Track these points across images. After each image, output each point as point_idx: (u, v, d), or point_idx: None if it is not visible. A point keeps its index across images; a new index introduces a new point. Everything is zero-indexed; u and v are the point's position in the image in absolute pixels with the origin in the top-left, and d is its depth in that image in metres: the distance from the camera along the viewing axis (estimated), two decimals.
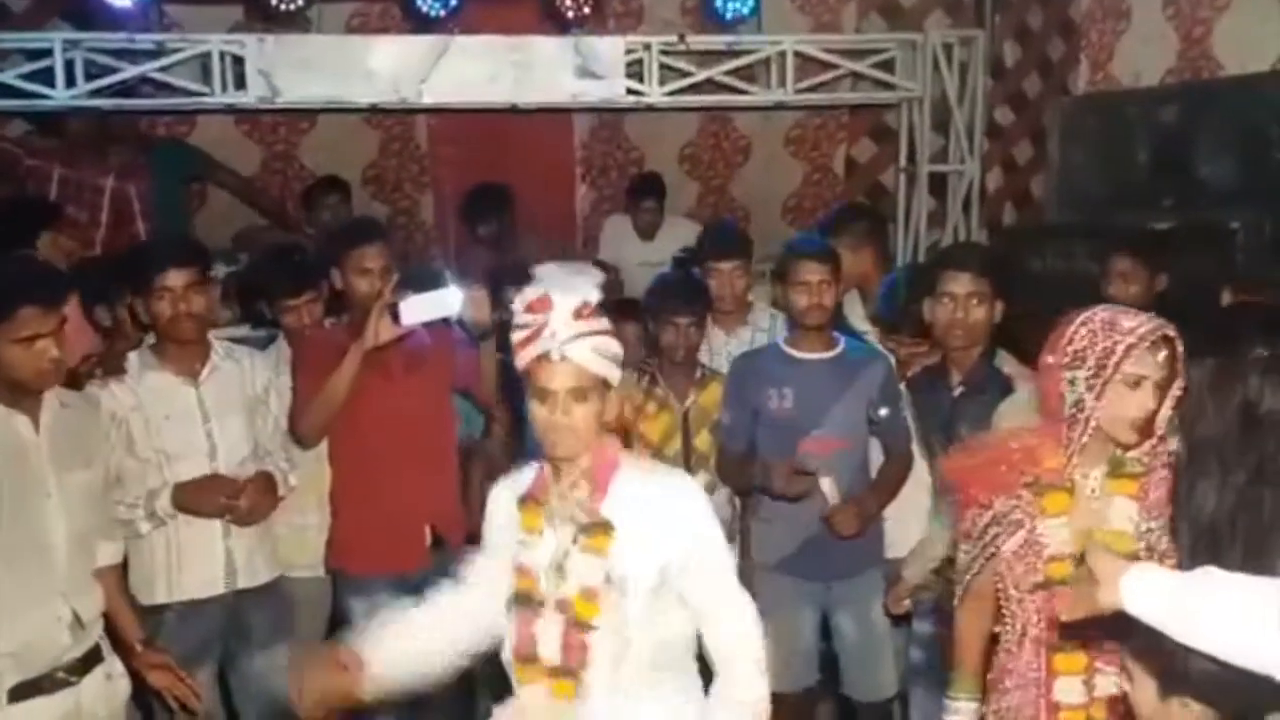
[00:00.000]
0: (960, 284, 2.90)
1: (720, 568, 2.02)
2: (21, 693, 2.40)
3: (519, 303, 1.96)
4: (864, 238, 3.67)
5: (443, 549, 3.08)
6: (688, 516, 1.98)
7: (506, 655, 2.03)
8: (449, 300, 2.87)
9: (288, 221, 5.56)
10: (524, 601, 1.98)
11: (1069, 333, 2.06)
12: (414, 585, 2.44)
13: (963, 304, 2.88)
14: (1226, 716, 1.51)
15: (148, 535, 2.89)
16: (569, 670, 1.93)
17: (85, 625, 2.52)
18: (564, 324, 1.89)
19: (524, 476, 2.07)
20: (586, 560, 1.93)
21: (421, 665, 2.10)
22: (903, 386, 3.16)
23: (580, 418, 1.91)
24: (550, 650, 1.95)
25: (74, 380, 2.80)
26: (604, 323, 1.94)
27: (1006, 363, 2.96)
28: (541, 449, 1.98)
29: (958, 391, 2.93)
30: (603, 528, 1.93)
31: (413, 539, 3.09)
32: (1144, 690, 1.67)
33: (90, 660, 2.54)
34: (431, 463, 3.14)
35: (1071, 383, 2.03)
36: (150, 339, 2.99)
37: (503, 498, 2.09)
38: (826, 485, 2.98)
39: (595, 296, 1.94)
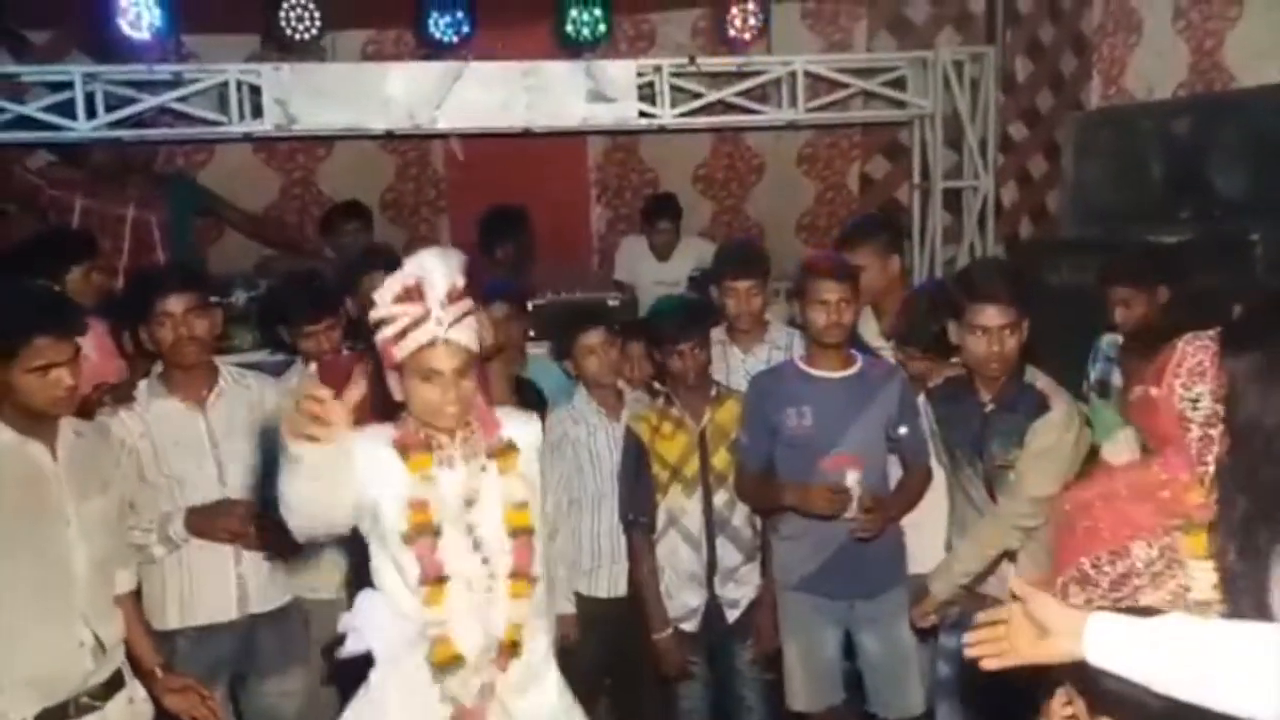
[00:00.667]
0: (991, 317, 2.85)
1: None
2: (48, 718, 2.41)
3: (385, 294, 2.05)
4: (885, 250, 3.64)
5: None
6: (536, 445, 2.29)
7: (394, 584, 2.14)
8: None
9: (302, 251, 5.60)
10: (423, 532, 2.10)
11: (1177, 356, 1.88)
12: None
13: (996, 337, 2.85)
14: None
15: (160, 561, 2.90)
16: (523, 573, 2.16)
17: (108, 650, 2.53)
18: (443, 310, 2.02)
19: (380, 434, 2.14)
20: (509, 480, 2.17)
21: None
22: (922, 398, 3.15)
23: (466, 391, 2.10)
24: (466, 566, 2.12)
25: (85, 408, 2.82)
26: (470, 301, 2.09)
27: (1038, 378, 2.94)
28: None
29: (989, 409, 2.91)
30: (509, 448, 2.19)
31: None
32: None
33: (113, 685, 2.55)
34: None
35: (1195, 401, 1.85)
36: (158, 367, 3.01)
37: (376, 455, 2.10)
38: (851, 480, 2.99)
39: (462, 280, 2.06)
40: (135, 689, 2.63)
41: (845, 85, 5.48)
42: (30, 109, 4.69)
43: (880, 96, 5.55)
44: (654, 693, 3.36)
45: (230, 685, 3.08)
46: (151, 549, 2.86)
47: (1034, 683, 2.06)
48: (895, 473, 3.18)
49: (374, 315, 2.08)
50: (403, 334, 2.03)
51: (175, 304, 2.88)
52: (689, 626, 3.25)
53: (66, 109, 4.68)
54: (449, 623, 2.12)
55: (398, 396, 2.13)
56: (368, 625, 2.18)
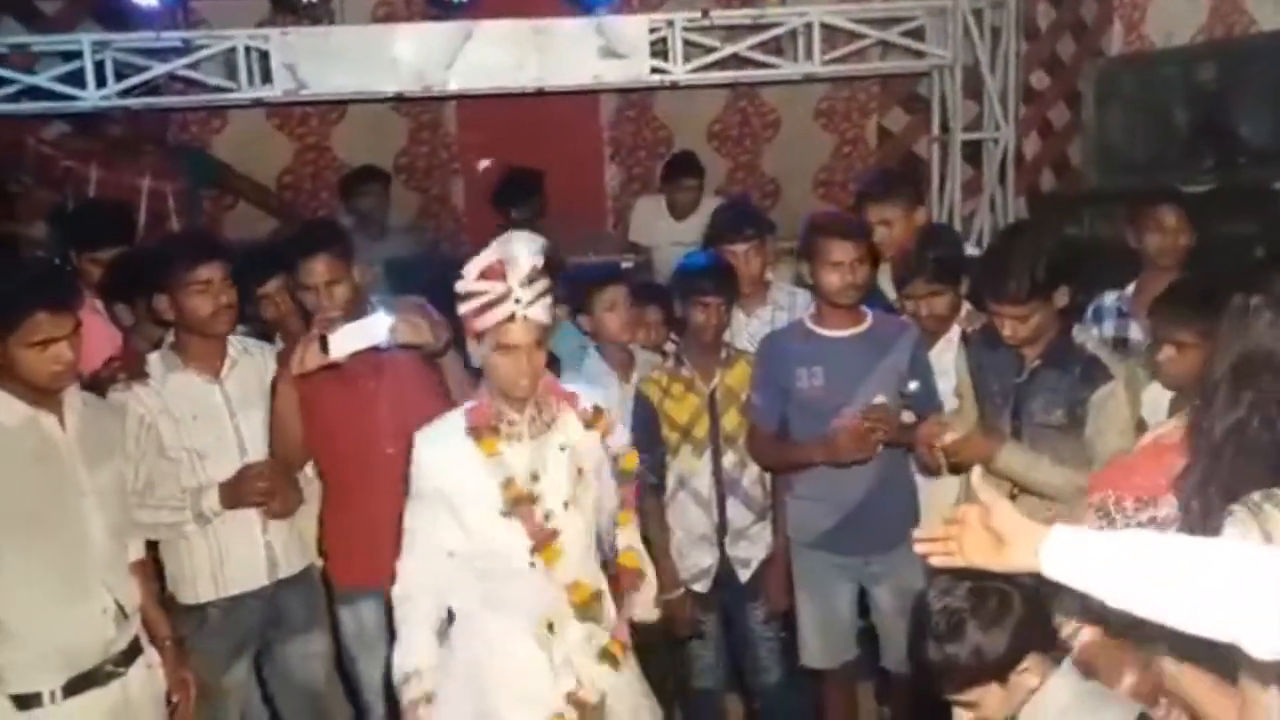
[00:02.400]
0: (1006, 311, 2.76)
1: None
2: (75, 687, 2.46)
3: (472, 270, 2.22)
4: (909, 204, 3.56)
5: None
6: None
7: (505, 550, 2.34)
8: (377, 328, 2.74)
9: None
10: (523, 502, 2.31)
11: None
12: None
13: (1010, 326, 2.77)
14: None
15: (190, 536, 2.91)
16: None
17: (129, 616, 2.58)
18: (523, 288, 2.19)
19: (451, 422, 2.36)
20: (559, 460, 2.35)
21: None
22: (959, 345, 3.08)
23: (538, 363, 2.29)
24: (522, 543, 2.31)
25: (97, 385, 2.82)
26: (548, 281, 2.26)
27: (1088, 340, 2.86)
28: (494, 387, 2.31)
29: (1034, 364, 2.80)
30: (599, 415, 2.43)
31: (393, 552, 2.92)
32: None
33: (133, 651, 2.59)
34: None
35: None
36: (170, 338, 2.99)
37: (443, 452, 2.35)
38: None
39: (542, 260, 2.23)
40: (151, 655, 2.68)
41: (862, 36, 5.39)
42: (40, 79, 4.70)
43: (898, 47, 5.45)
44: (666, 653, 3.37)
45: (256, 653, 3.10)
46: (185, 525, 2.85)
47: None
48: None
49: (459, 288, 2.25)
50: (484, 309, 2.21)
51: (212, 271, 2.84)
52: (700, 587, 3.25)
53: (76, 78, 4.69)
54: (526, 589, 2.33)
55: (476, 364, 2.33)
56: (449, 590, 2.39)
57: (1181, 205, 3.32)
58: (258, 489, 2.89)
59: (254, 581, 2.98)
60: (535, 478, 2.34)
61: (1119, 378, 2.75)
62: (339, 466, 3.03)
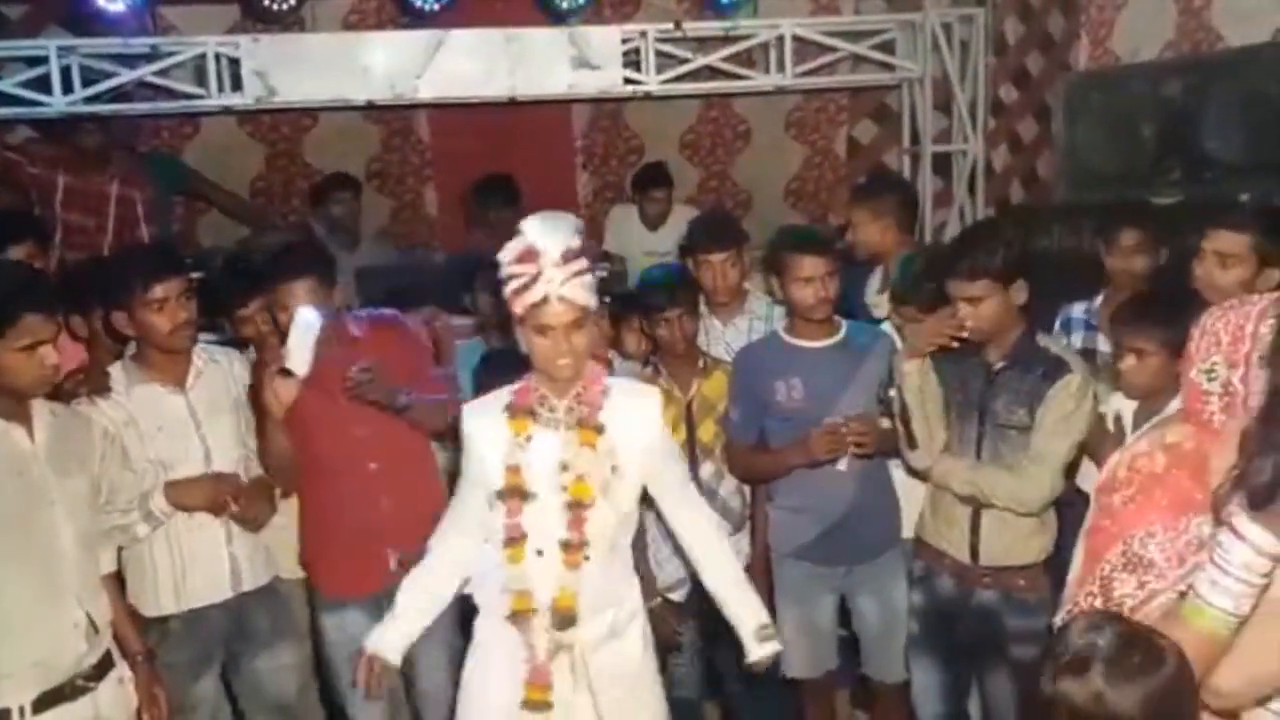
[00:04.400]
0: (960, 290, 2.78)
1: (679, 459, 2.59)
2: (45, 702, 2.41)
3: (508, 254, 2.22)
4: (892, 210, 3.63)
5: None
6: (655, 419, 2.44)
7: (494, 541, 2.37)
8: (307, 320, 2.75)
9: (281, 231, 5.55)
10: (514, 493, 2.32)
11: (1197, 329, 1.86)
12: (386, 604, 2.57)
13: (965, 310, 2.78)
14: None
15: (150, 545, 2.87)
16: (576, 544, 2.32)
17: (100, 630, 2.54)
18: (555, 269, 2.18)
19: (498, 399, 2.39)
20: (587, 454, 2.32)
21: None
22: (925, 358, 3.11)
23: (579, 344, 2.26)
24: (542, 530, 2.32)
25: (59, 397, 2.78)
26: (584, 261, 2.24)
27: (1054, 344, 2.90)
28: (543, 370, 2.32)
29: (998, 366, 2.83)
30: (596, 430, 2.33)
31: (375, 562, 2.98)
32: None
33: (104, 666, 2.55)
34: (390, 484, 3.02)
35: (1210, 372, 1.82)
36: (130, 350, 2.94)
37: (484, 423, 2.38)
38: (842, 464, 3.00)
39: (576, 241, 2.22)
40: (123, 669, 2.64)
41: (833, 49, 5.43)
42: (5, 84, 4.63)
43: (869, 60, 5.50)
44: None
45: (222, 670, 3.06)
46: (135, 528, 2.80)
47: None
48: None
49: (501, 272, 2.26)
50: (519, 291, 2.22)
51: (170, 288, 2.80)
52: (678, 596, 3.26)
53: (42, 84, 4.63)
54: (531, 579, 2.33)
55: (524, 349, 2.32)
56: (478, 577, 2.44)
57: (1144, 225, 3.36)
58: (208, 497, 2.87)
59: (217, 594, 2.95)
60: (565, 468, 2.33)
61: (1080, 374, 2.79)
62: (319, 478, 3.02)
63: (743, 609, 2.53)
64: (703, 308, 3.52)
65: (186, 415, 2.92)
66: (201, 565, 2.93)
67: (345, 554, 3.01)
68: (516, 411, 2.35)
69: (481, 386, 2.77)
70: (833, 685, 3.36)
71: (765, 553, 3.26)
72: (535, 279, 2.19)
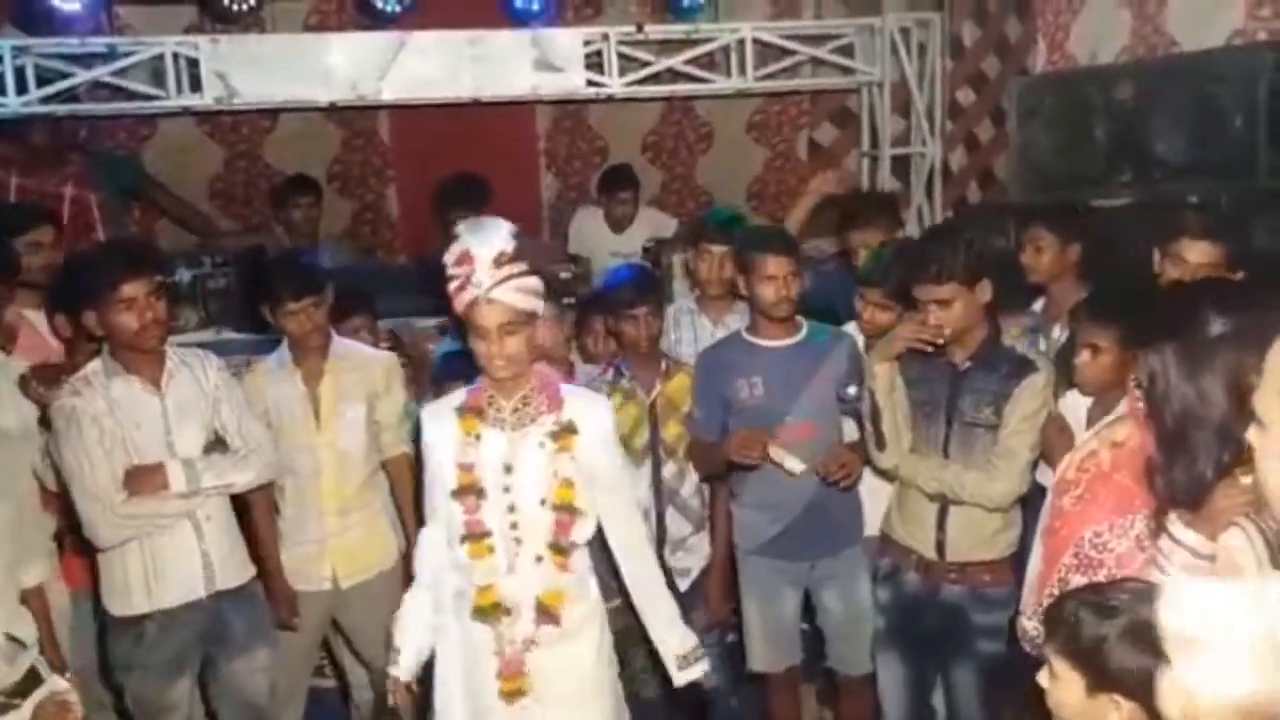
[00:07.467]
0: (928, 294, 2.80)
1: (624, 473, 2.63)
2: None
3: (449, 258, 2.30)
4: (884, 231, 3.72)
5: None
6: (606, 424, 2.49)
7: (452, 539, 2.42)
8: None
9: (219, 236, 5.53)
10: (468, 492, 2.38)
11: None
12: None
13: (934, 314, 2.81)
14: (1154, 713, 1.41)
15: (123, 546, 2.86)
16: (561, 546, 2.39)
17: (27, 648, 2.51)
18: (487, 273, 2.25)
19: (452, 399, 2.46)
20: (561, 458, 2.37)
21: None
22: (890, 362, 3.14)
23: (513, 346, 2.31)
24: (499, 528, 2.38)
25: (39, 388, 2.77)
26: (522, 265, 2.30)
27: (1018, 344, 2.96)
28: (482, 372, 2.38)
29: (964, 366, 2.87)
30: (568, 430, 2.39)
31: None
32: (1070, 689, 1.61)
33: (30, 683, 2.51)
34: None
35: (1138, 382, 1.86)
36: (105, 349, 2.93)
37: (439, 425, 2.44)
38: (775, 453, 3.00)
39: (511, 245, 2.28)
40: (55, 683, 2.58)
41: (793, 52, 5.48)
42: None
43: (828, 63, 5.55)
44: None
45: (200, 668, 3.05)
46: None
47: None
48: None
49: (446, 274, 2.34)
50: (456, 292, 2.30)
51: (138, 288, 2.80)
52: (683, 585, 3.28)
53: None
54: (492, 576, 2.39)
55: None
56: (430, 572, 2.48)
57: (1051, 223, 3.41)
58: (157, 480, 2.87)
59: (191, 593, 2.94)
60: (508, 469, 2.38)
61: (1045, 373, 2.84)
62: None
63: (670, 635, 2.57)
64: (693, 305, 3.56)
65: (160, 416, 2.91)
66: (174, 564, 2.92)
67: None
68: (466, 411, 2.42)
69: (440, 386, 2.81)
70: (797, 679, 3.40)
71: (727, 550, 3.29)
72: (467, 281, 2.27)
